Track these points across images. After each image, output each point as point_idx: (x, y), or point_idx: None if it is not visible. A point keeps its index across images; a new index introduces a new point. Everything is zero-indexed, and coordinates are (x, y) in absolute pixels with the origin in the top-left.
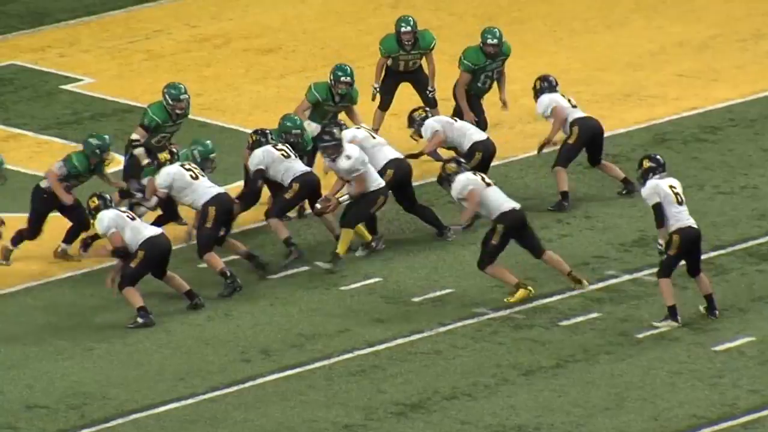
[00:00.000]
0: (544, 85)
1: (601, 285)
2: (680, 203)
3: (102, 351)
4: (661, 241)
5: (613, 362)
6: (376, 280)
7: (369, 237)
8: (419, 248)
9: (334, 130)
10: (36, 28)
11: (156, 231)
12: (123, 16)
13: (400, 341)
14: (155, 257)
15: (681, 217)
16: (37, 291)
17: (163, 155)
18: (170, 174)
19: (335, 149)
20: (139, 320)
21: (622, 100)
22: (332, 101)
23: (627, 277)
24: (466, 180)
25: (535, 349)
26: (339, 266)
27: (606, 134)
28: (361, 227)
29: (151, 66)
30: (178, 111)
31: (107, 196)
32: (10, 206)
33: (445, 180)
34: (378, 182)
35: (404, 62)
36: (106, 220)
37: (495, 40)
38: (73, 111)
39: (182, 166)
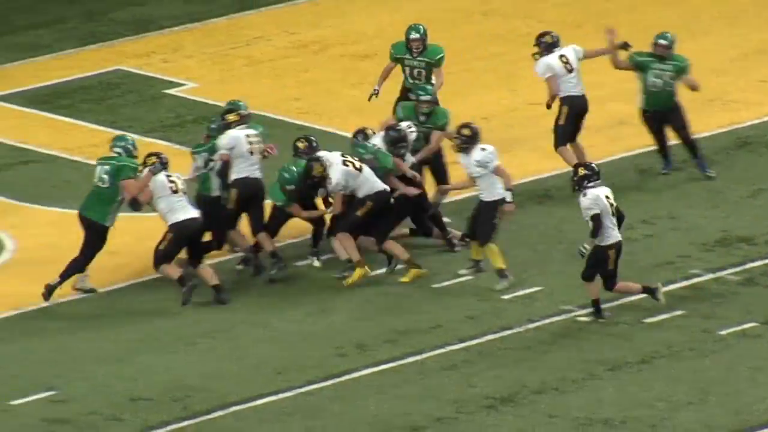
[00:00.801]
0: (542, 46)
1: (685, 284)
2: (613, 215)
3: (204, 345)
4: (587, 245)
5: (697, 358)
6: (468, 278)
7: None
8: (509, 247)
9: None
10: (141, 35)
11: (190, 214)
12: (225, 23)
13: (490, 337)
14: (183, 239)
15: (613, 232)
16: (143, 287)
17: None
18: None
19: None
20: (183, 290)
21: (706, 105)
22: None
23: (710, 276)
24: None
25: (621, 345)
26: (504, 282)
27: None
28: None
29: (252, 71)
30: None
31: (165, 159)
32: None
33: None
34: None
35: (410, 68)
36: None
37: (665, 42)
38: (176, 114)
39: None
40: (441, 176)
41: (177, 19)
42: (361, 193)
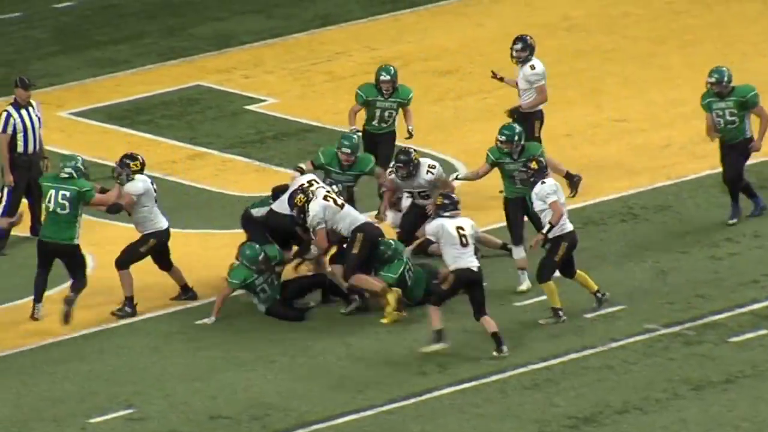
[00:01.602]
0: (529, 50)
1: None
2: (464, 245)
3: (284, 363)
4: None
5: None
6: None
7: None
8: (590, 266)
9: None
10: (222, 50)
11: (166, 224)
12: (306, 38)
13: (572, 356)
14: (159, 246)
15: (460, 260)
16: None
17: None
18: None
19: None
20: (127, 309)
21: None
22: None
23: None
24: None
25: (706, 365)
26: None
27: None
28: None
29: (333, 87)
30: (345, 161)
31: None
32: (194, 222)
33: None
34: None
35: (380, 110)
36: (138, 182)
37: (713, 79)
38: (256, 130)
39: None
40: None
41: (258, 35)
42: (342, 229)
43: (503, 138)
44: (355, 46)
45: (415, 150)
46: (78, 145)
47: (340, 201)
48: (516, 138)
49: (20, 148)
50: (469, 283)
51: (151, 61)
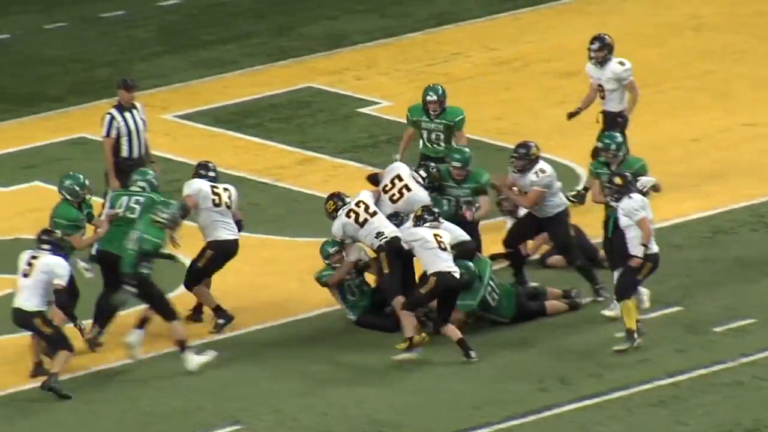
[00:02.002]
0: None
1: None
2: (443, 250)
3: (397, 378)
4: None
5: None
6: (677, 308)
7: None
8: (721, 277)
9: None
10: (333, 51)
11: (225, 235)
12: (421, 38)
13: (701, 372)
14: (218, 258)
15: (441, 262)
16: (330, 316)
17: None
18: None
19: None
20: (220, 321)
21: None
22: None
23: None
24: None
25: None
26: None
27: None
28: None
29: (450, 89)
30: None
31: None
32: (303, 231)
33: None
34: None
35: (427, 132)
36: (194, 183)
37: None
38: (369, 134)
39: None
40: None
41: (371, 35)
42: (368, 245)
43: (602, 146)
44: (473, 46)
45: (537, 146)
46: (183, 149)
47: (362, 217)
48: (614, 147)
49: (125, 153)
50: (449, 289)
51: (259, 61)
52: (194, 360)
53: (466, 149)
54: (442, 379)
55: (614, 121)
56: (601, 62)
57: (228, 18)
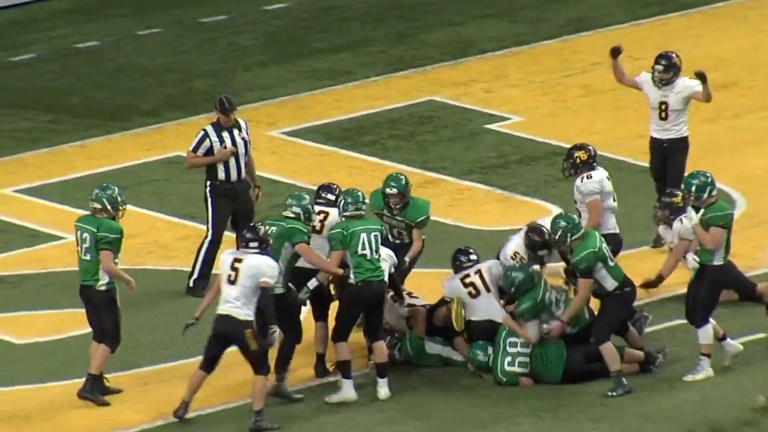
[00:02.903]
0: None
1: None
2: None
3: (529, 426)
4: None
5: None
6: None
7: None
8: None
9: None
10: (459, 60)
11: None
12: (557, 46)
13: None
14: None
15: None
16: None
17: None
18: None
19: None
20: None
21: None
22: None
23: None
24: None
25: None
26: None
27: None
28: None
29: (588, 103)
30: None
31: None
32: (427, 261)
33: None
34: None
35: (389, 226)
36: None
37: None
38: (499, 153)
39: None
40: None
41: (501, 42)
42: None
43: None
44: None
45: (592, 148)
46: (291, 169)
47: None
48: (694, 188)
49: (221, 175)
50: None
51: (376, 72)
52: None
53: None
54: (581, 427)
55: (674, 147)
56: (666, 83)
57: (341, 24)
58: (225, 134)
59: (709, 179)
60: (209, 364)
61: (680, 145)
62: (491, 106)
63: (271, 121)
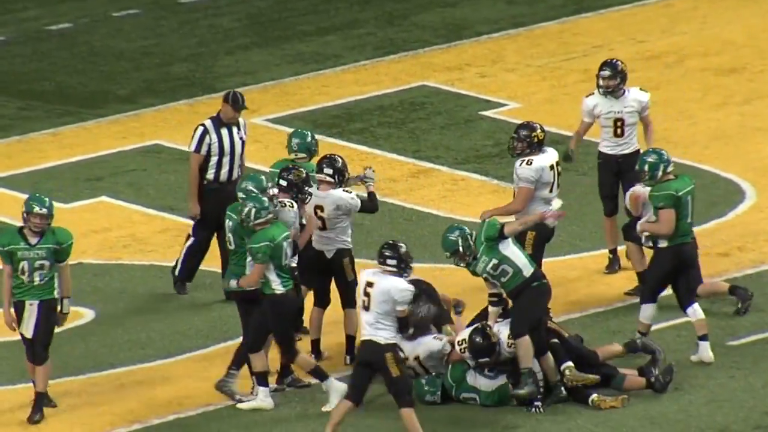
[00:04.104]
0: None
1: None
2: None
3: (527, 429)
4: None
5: None
6: None
7: None
8: None
9: None
10: (452, 43)
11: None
12: (556, 28)
13: None
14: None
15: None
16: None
17: None
18: None
19: None
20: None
21: None
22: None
23: None
24: None
25: None
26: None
27: None
28: None
29: (589, 88)
30: None
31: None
32: (419, 254)
33: None
34: None
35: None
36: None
37: None
38: (495, 142)
39: None
40: None
41: (496, 24)
42: None
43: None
44: (618, 37)
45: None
46: (276, 158)
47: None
48: (647, 166)
49: (210, 175)
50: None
51: (365, 56)
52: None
53: None
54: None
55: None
56: (612, 92)
57: (328, 4)
58: (224, 131)
59: (664, 156)
60: (355, 393)
61: (634, 160)
62: (487, 92)
63: (255, 107)
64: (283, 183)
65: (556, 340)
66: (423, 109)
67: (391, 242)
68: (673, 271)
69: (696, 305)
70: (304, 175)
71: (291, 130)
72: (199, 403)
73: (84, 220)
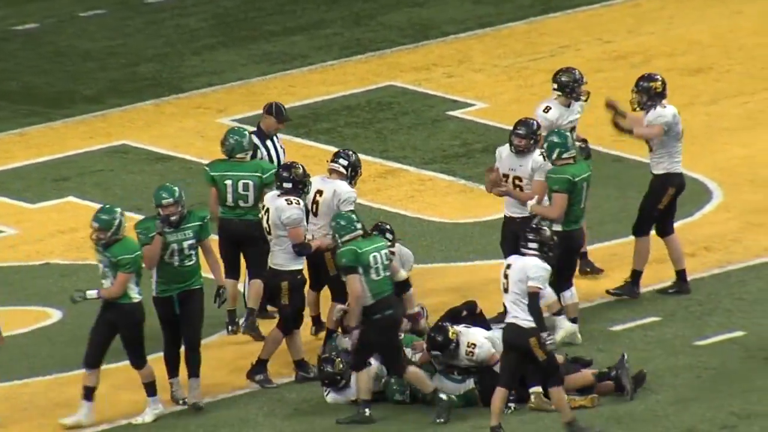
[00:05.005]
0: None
1: None
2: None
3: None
4: None
5: None
6: None
7: None
8: None
9: None
10: (419, 43)
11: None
12: (523, 28)
13: None
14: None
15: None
16: None
17: None
18: None
19: None
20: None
21: None
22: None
23: None
24: None
25: None
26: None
27: None
28: None
29: None
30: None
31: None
32: None
33: None
34: None
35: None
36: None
37: None
38: (462, 142)
39: None
40: None
41: (463, 24)
42: None
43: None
44: (584, 37)
45: None
46: None
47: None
48: (546, 144)
49: None
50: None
51: (332, 56)
52: None
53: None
54: (543, 428)
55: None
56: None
57: (295, 5)
58: (269, 143)
59: (567, 142)
60: (508, 378)
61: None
62: (453, 92)
63: (221, 107)
64: (288, 185)
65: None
66: (390, 109)
67: (534, 225)
68: (563, 255)
69: (573, 289)
70: (301, 169)
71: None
72: (166, 403)
73: (51, 220)
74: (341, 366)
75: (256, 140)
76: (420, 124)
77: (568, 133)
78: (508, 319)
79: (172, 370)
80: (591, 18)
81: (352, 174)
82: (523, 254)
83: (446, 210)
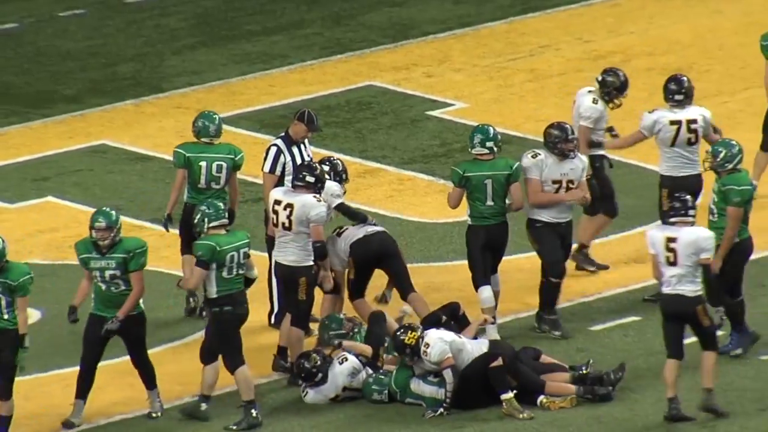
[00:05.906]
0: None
1: None
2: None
3: (474, 430)
4: None
5: None
6: None
7: None
8: None
9: None
10: (399, 43)
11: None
12: (503, 28)
13: None
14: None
15: None
16: None
17: None
18: None
19: None
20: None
21: None
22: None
23: None
24: None
25: None
26: None
27: None
28: None
29: (536, 88)
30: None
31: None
32: None
33: None
34: None
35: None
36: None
37: None
38: (441, 141)
39: None
40: None
41: (443, 24)
42: None
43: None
44: (564, 37)
45: None
46: None
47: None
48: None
49: None
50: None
51: (312, 55)
52: None
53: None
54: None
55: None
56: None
57: (275, 4)
58: (295, 149)
59: (487, 137)
60: (676, 348)
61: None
62: (433, 92)
63: (201, 107)
64: (311, 179)
65: (500, 365)
66: (370, 109)
67: (683, 196)
68: (483, 247)
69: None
70: (320, 169)
71: (237, 130)
72: (144, 406)
73: (30, 221)
74: (317, 361)
75: (281, 145)
76: (399, 123)
77: (492, 128)
78: (670, 290)
79: (82, 392)
80: (571, 18)
81: (337, 180)
82: (674, 224)
83: (426, 210)
